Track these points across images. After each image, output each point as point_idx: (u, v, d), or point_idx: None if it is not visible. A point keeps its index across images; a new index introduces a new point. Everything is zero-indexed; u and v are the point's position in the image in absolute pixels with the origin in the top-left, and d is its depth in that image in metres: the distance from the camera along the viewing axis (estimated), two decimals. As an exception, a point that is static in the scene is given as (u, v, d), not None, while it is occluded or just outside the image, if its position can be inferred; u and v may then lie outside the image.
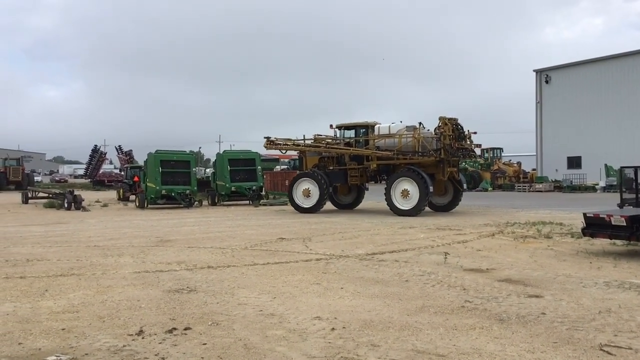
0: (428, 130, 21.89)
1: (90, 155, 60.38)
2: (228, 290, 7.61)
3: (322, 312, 6.37)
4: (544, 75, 54.03)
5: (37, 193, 32.28)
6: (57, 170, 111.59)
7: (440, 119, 21.25)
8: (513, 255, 10.55)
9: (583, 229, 10.96)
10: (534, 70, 55.19)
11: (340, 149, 23.04)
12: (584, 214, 10.84)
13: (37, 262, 10.17)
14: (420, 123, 22.01)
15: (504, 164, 49.99)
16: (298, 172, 24.61)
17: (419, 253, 10.94)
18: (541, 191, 41.88)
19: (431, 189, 20.38)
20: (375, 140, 22.21)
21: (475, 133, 22.29)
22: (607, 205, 17.67)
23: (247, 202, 28.63)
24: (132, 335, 5.52)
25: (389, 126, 22.23)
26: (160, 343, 5.27)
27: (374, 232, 14.95)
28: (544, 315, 6.20)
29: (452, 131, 20.99)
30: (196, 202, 27.70)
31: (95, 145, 61.60)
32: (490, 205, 26.27)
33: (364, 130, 23.30)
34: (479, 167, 49.57)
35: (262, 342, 5.30)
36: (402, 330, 5.66)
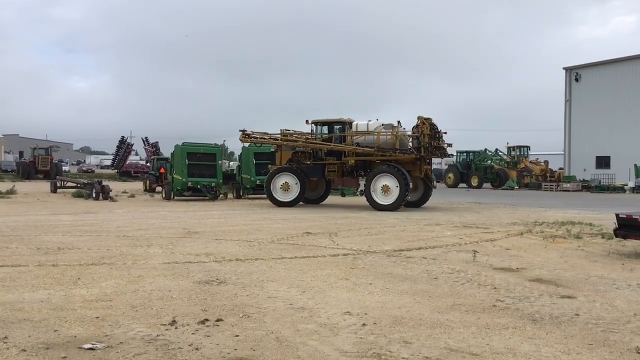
0: (404, 128, 22.57)
1: (117, 146, 61.05)
2: (257, 283, 7.64)
3: (352, 307, 6.36)
4: (573, 73, 53.27)
5: (65, 182, 32.77)
6: (84, 161, 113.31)
7: (419, 118, 21.86)
8: (543, 255, 10.42)
9: (615, 230, 10.77)
10: (563, 68, 54.46)
11: (321, 144, 23.19)
12: (617, 215, 10.66)
13: (69, 250, 10.32)
14: (398, 121, 22.71)
15: (530, 162, 49.36)
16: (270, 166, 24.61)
17: (447, 250, 10.87)
18: (569, 191, 41.33)
19: (411, 185, 21.02)
20: (355, 137, 22.61)
21: (445, 133, 23.02)
22: (638, 206, 17.35)
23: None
24: (165, 325, 5.58)
25: (367, 123, 22.72)
26: (193, 334, 5.31)
27: (400, 228, 14.89)
28: (578, 316, 6.11)
29: (429, 130, 21.56)
30: (221, 195, 27.88)
31: (123, 137, 62.32)
32: (517, 204, 26.00)
33: (339, 126, 23.71)
34: (505, 165, 49.08)
35: (293, 335, 5.31)
36: (433, 327, 5.63)
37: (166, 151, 50.88)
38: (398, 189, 20.68)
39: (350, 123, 23.39)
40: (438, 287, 7.52)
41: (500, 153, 51.32)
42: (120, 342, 5.04)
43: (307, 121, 23.97)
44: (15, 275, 7.91)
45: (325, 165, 23.19)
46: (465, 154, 49.67)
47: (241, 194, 29.49)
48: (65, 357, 4.65)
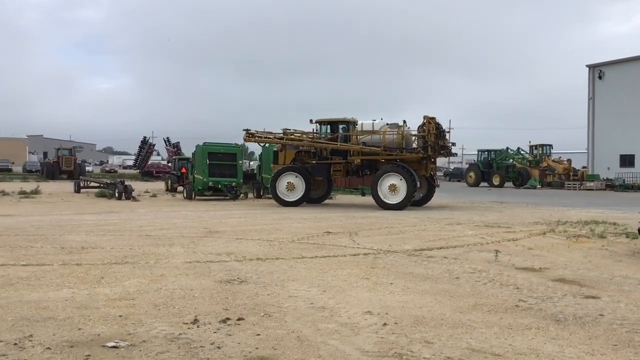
0: (408, 128, 22.76)
1: (139, 147, 61.63)
2: (278, 282, 7.67)
3: (373, 307, 6.35)
4: (597, 71, 52.59)
5: (89, 182, 33.18)
6: (107, 161, 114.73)
7: (425, 117, 21.99)
8: (566, 255, 10.30)
9: (640, 230, 10.62)
10: (586, 66, 53.80)
11: (328, 143, 23.17)
12: (642, 214, 10.50)
13: (92, 249, 10.46)
14: (404, 121, 22.81)
15: (553, 161, 48.90)
16: (273, 166, 24.58)
17: (468, 250, 10.79)
18: (592, 189, 40.81)
19: (418, 184, 21.24)
20: (361, 137, 22.72)
21: (448, 132, 23.24)
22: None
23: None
24: (187, 323, 5.62)
25: (372, 123, 22.85)
26: (215, 332, 5.35)
27: (421, 227, 14.83)
28: (602, 316, 6.03)
29: (435, 129, 21.72)
30: (242, 195, 28.01)
31: (145, 137, 62.83)
32: (540, 203, 25.73)
33: (344, 126, 23.71)
34: (527, 164, 48.62)
35: (314, 334, 5.32)
36: (455, 327, 5.60)
37: (187, 151, 51.25)
38: (405, 188, 20.85)
39: (354, 122, 23.52)
40: (459, 287, 7.47)
41: (522, 152, 50.85)
42: (143, 341, 5.09)
43: (311, 120, 23.99)
44: (40, 274, 8.03)
45: (330, 164, 23.23)
46: (486, 152, 49.35)
47: (261, 193, 29.60)
48: (89, 355, 4.71)
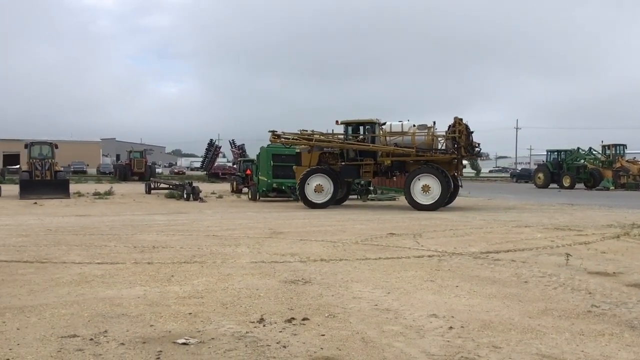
0: (435, 129, 22.70)
1: (206, 149, 63.11)
2: (342, 283, 7.70)
3: (438, 310, 6.28)
4: (676, 66, 49.91)
5: (158, 184, 34.29)
6: (176, 163, 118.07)
7: (455, 118, 21.92)
8: (642, 259, 9.85)
9: None
10: (664, 61, 51.10)
11: (359, 144, 22.99)
12: None
13: (162, 249, 10.81)
14: (434, 122, 22.83)
15: (627, 161, 46.72)
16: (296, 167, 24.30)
17: (537, 253, 10.49)
18: (671, 191, 38.79)
19: (452, 185, 21.56)
20: (391, 138, 22.62)
21: (472, 132, 22.68)
22: None
23: (355, 196, 28.78)
24: (253, 322, 5.74)
25: (402, 124, 22.77)
26: (280, 332, 5.43)
27: (487, 230, 14.52)
28: (682, 325, 5.74)
29: (465, 130, 21.75)
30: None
31: (211, 139, 64.30)
32: (613, 205, 24.69)
33: (369, 126, 23.53)
34: (600, 164, 46.73)
35: (379, 336, 5.32)
36: (524, 333, 5.46)
37: (252, 153, 52.11)
38: (439, 189, 20.96)
39: (378, 123, 23.47)
40: (528, 291, 7.28)
41: (594, 152, 48.89)
42: (212, 338, 5.23)
43: (337, 121, 23.78)
44: (114, 272, 8.38)
45: (359, 166, 23.03)
46: (556, 153, 47.78)
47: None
48: (160, 352, 4.88)
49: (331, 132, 23.90)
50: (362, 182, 28.13)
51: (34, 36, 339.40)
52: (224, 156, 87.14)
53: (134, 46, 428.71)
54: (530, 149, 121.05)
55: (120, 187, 38.83)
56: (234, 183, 35.74)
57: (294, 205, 24.15)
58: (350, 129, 23.78)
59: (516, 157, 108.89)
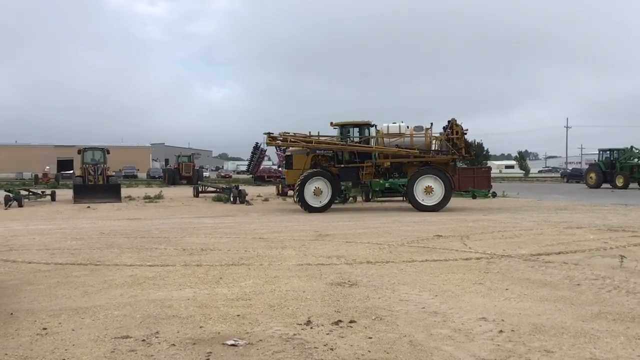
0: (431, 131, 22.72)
1: (251, 152, 63.57)
2: (388, 285, 7.66)
3: (488, 313, 6.18)
4: None
5: (206, 187, 34.79)
6: (222, 167, 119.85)
7: (452, 120, 22.21)
8: (703, 262, 9.45)
9: None
10: None
11: (360, 146, 22.71)
12: None
13: (210, 251, 10.98)
14: (431, 124, 22.90)
15: (684, 159, 44.90)
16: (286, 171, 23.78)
17: (590, 255, 10.19)
18: None
19: (454, 186, 21.84)
20: (392, 139, 22.45)
21: (466, 132, 22.55)
22: None
23: (401, 198, 28.58)
24: (301, 324, 5.77)
25: (399, 125, 22.72)
26: (327, 334, 5.44)
27: (537, 231, 14.20)
28: None
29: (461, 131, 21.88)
30: (350, 198, 28.18)
31: (257, 143, 64.70)
32: (671, 205, 23.77)
33: (365, 128, 23.32)
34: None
35: (427, 340, 5.27)
36: (577, 337, 5.32)
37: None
38: (442, 189, 21.28)
39: (373, 125, 23.34)
40: (581, 294, 7.09)
41: (648, 150, 47.19)
42: (260, 340, 5.29)
43: (331, 123, 23.51)
44: (164, 274, 8.56)
45: (358, 167, 22.73)
46: (609, 152, 46.35)
47: (370, 197, 29.62)
48: (210, 353, 4.96)
49: (316, 134, 23.32)
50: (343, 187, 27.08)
51: (85, 44, 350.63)
52: (269, 159, 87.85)
53: (182, 52, 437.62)
54: (582, 147, 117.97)
55: (169, 191, 39.59)
56: (280, 186, 35.95)
57: (339, 208, 24.15)
58: (346, 130, 23.54)
59: (567, 157, 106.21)
